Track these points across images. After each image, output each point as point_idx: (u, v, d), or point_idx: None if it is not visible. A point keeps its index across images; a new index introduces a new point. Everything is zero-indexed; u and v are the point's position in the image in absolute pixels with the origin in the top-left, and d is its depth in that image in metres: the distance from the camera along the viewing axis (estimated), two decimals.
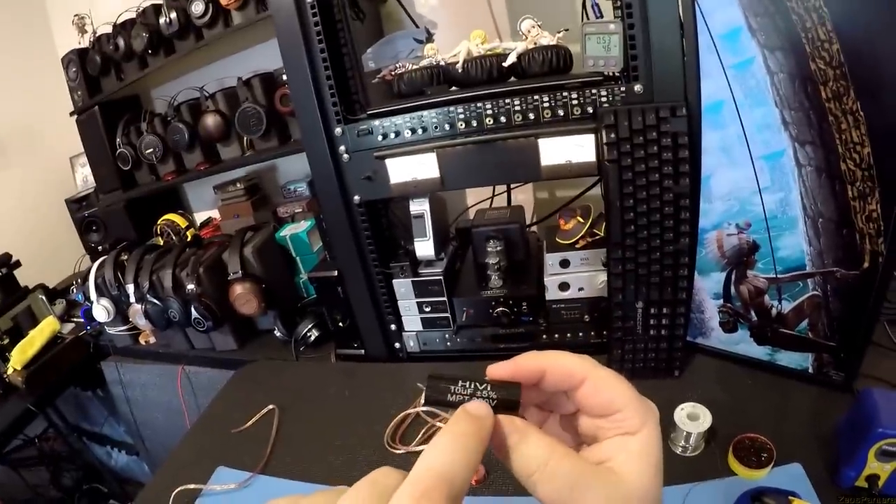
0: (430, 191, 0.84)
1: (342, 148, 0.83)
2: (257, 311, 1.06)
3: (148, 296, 1.10)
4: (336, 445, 0.83)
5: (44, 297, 1.43)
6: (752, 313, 0.79)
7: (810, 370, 0.76)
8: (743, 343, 0.82)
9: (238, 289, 1.04)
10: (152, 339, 1.29)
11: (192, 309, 1.05)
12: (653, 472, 0.26)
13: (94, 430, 1.74)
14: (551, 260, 0.87)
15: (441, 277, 0.90)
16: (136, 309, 1.13)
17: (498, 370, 0.27)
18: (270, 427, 0.87)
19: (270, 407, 0.91)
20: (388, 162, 0.81)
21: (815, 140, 0.63)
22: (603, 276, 0.85)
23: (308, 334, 1.06)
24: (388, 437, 0.81)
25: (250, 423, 0.89)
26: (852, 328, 0.69)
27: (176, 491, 0.75)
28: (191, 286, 1.05)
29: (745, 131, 0.69)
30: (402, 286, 0.92)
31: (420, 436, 0.81)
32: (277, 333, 1.11)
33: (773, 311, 0.76)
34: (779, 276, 0.73)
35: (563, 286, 0.89)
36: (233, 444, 0.86)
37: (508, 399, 0.26)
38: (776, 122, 0.66)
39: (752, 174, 0.70)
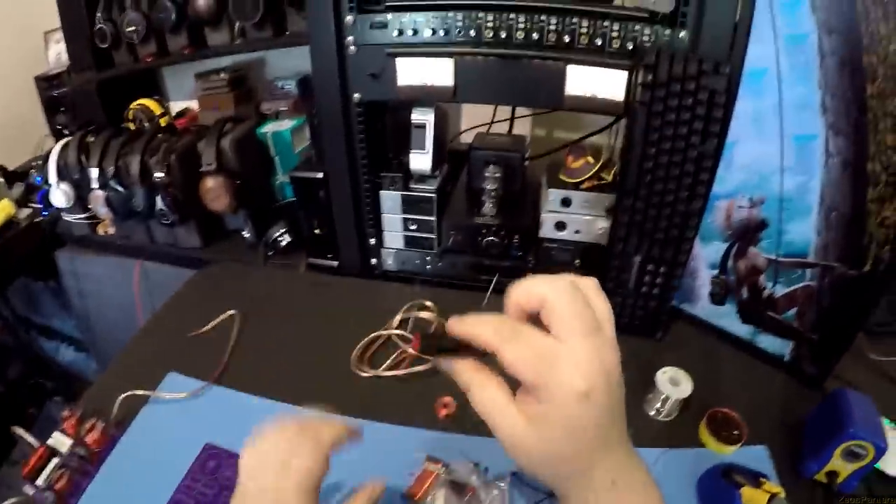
0: (440, 100, 0.78)
1: (350, 39, 0.75)
2: (228, 207, 0.99)
3: (112, 182, 1.02)
4: (299, 360, 0.78)
5: (2, 180, 1.33)
6: (745, 290, 0.77)
7: (787, 358, 0.75)
8: (728, 318, 0.81)
9: (210, 182, 0.96)
10: (111, 230, 1.21)
11: (158, 199, 0.97)
12: (570, 387, 0.30)
13: (44, 322, 1.67)
14: (553, 196, 0.83)
15: (434, 195, 0.85)
16: (98, 195, 1.05)
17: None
18: (229, 334, 0.82)
19: (231, 312, 0.85)
20: (399, 61, 0.73)
21: (849, 133, 0.60)
22: (602, 223, 0.82)
23: (279, 239, 1.00)
24: (355, 357, 0.77)
25: (208, 327, 0.83)
26: (838, 327, 0.69)
27: (122, 396, 0.69)
28: (159, 175, 0.97)
29: (781, 106, 0.65)
30: (390, 199, 0.86)
31: (390, 360, 0.77)
32: (246, 234, 1.05)
33: (766, 293, 0.75)
34: (780, 258, 0.71)
35: (560, 225, 0.85)
36: (187, 348, 0.81)
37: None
38: (815, 105, 0.62)
39: (778, 151, 0.67)
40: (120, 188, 1.01)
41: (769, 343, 0.77)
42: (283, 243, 1.01)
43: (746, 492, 0.53)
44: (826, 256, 0.67)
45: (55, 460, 0.61)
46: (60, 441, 0.62)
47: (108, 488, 0.61)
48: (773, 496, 0.51)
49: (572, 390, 0.30)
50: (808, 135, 0.64)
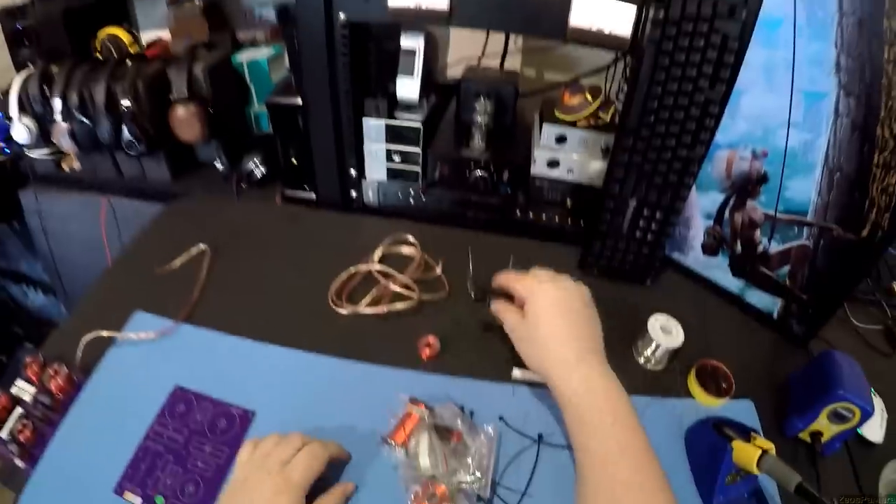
0: (433, 22, 0.72)
1: None
2: (200, 137, 0.93)
3: (76, 112, 0.94)
4: (273, 296, 0.75)
5: None
6: (739, 244, 0.76)
7: (775, 316, 0.75)
8: (718, 270, 0.80)
9: (181, 111, 0.89)
10: (77, 166, 1.14)
11: (125, 129, 0.90)
12: (535, 310, 0.56)
13: (10, 267, 1.60)
14: (548, 132, 0.79)
15: (420, 124, 0.80)
16: (62, 128, 0.97)
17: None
18: (200, 269, 0.77)
19: (202, 247, 0.80)
20: None
21: (861, 95, 0.59)
22: (597, 164, 0.80)
23: (254, 170, 0.94)
24: (333, 293, 0.74)
25: (176, 263, 0.78)
26: (830, 289, 0.68)
27: (86, 339, 0.64)
28: (126, 103, 0.89)
29: (794, 60, 0.63)
30: (374, 128, 0.81)
31: (369, 296, 0.74)
32: (219, 166, 0.98)
33: (760, 248, 0.74)
34: (778, 214, 0.70)
35: (553, 163, 0.82)
36: (155, 286, 0.76)
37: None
38: (830, 63, 0.60)
39: (786, 105, 0.64)
40: (84, 119, 0.94)
41: (758, 299, 0.76)
42: (258, 175, 0.95)
43: (737, 446, 0.52)
44: (825, 217, 0.66)
45: (18, 410, 0.56)
46: (23, 389, 0.58)
47: (73, 437, 0.57)
48: (764, 452, 0.50)
49: (546, 297, 0.56)
50: (819, 92, 0.62)
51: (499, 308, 0.61)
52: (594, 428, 0.49)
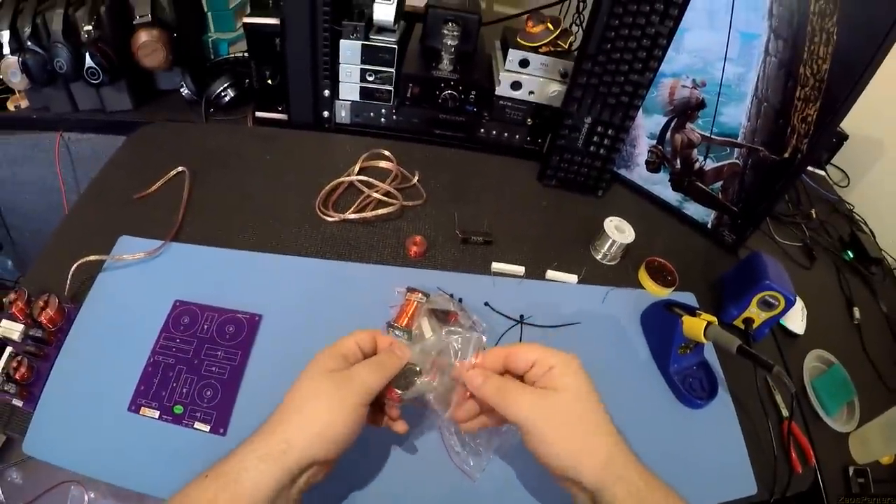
0: None
1: None
2: (164, 63, 0.91)
3: (28, 43, 0.88)
4: (260, 210, 0.75)
5: None
6: (678, 161, 0.85)
7: (709, 225, 0.86)
8: (660, 185, 0.90)
9: (144, 36, 0.87)
10: (24, 103, 1.06)
11: (87, 57, 0.86)
12: (577, 382, 0.42)
13: None
14: (513, 56, 0.85)
15: (395, 46, 0.83)
16: (11, 62, 0.90)
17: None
18: (180, 192, 0.76)
19: (180, 169, 0.80)
20: None
21: (788, 39, 0.68)
22: (556, 86, 0.87)
23: (222, 94, 0.93)
24: (319, 203, 0.77)
25: (156, 186, 0.77)
26: (756, 202, 0.79)
27: (76, 265, 0.62)
28: (89, 28, 0.85)
29: (733, 4, 0.71)
30: (350, 49, 0.83)
31: (356, 205, 0.78)
32: (184, 92, 0.96)
33: (696, 165, 0.84)
34: (713, 136, 0.80)
35: (516, 85, 0.88)
36: (134, 212, 0.74)
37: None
38: (764, 9, 0.69)
39: (724, 42, 0.74)
40: (38, 49, 0.88)
41: (694, 210, 0.87)
42: (227, 98, 0.94)
43: (687, 320, 0.60)
44: (753, 140, 0.76)
45: (8, 350, 0.54)
46: (10, 328, 0.55)
47: (75, 365, 0.56)
48: (709, 323, 0.58)
49: (579, 366, 0.43)
50: (752, 33, 0.71)
51: (502, 383, 0.43)
52: None
